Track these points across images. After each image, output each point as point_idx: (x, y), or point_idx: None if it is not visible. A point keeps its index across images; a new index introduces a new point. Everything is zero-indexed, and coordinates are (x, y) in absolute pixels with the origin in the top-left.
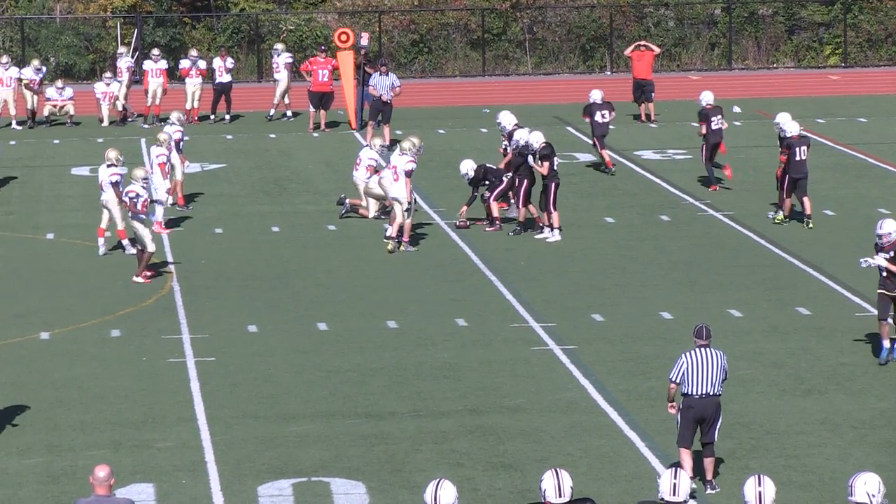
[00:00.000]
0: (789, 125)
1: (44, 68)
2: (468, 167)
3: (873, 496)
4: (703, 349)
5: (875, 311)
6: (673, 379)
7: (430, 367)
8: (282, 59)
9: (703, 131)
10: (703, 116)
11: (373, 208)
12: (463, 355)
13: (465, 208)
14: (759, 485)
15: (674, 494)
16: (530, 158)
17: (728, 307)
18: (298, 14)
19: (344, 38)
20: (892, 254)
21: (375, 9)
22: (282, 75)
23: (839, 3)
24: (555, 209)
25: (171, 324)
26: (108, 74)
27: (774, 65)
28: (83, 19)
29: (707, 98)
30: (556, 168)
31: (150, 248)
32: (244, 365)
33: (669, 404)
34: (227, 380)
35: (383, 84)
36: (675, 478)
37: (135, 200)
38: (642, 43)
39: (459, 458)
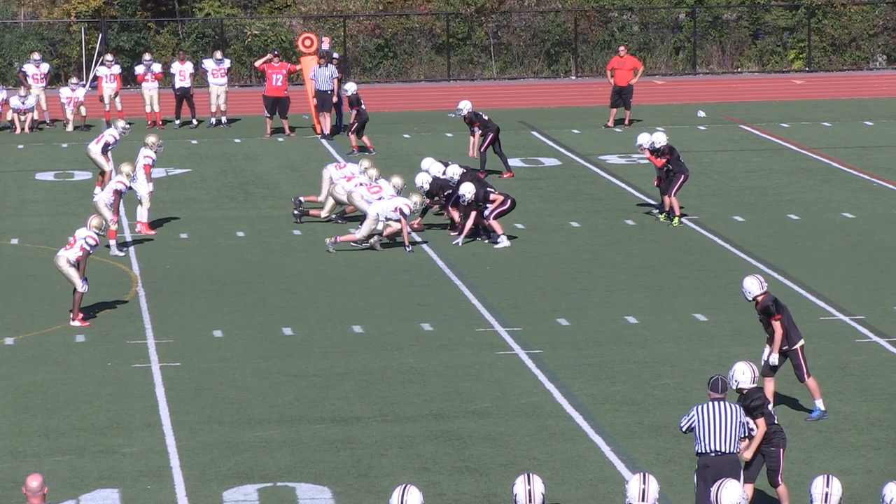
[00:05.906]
0: (657, 136)
1: (2, 87)
2: (418, 199)
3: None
4: (717, 402)
5: (840, 315)
6: (682, 428)
7: (396, 372)
8: (211, 66)
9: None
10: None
11: (327, 208)
12: (428, 360)
13: (419, 219)
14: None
15: (643, 500)
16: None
17: (693, 311)
18: (263, 19)
19: (308, 42)
20: (760, 315)
21: (340, 13)
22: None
23: (803, 7)
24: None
25: (136, 329)
26: (73, 80)
27: (739, 69)
28: (47, 24)
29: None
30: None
31: (81, 287)
32: (209, 370)
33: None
34: (192, 385)
35: (323, 75)
36: (644, 483)
37: (87, 250)
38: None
39: (425, 463)
